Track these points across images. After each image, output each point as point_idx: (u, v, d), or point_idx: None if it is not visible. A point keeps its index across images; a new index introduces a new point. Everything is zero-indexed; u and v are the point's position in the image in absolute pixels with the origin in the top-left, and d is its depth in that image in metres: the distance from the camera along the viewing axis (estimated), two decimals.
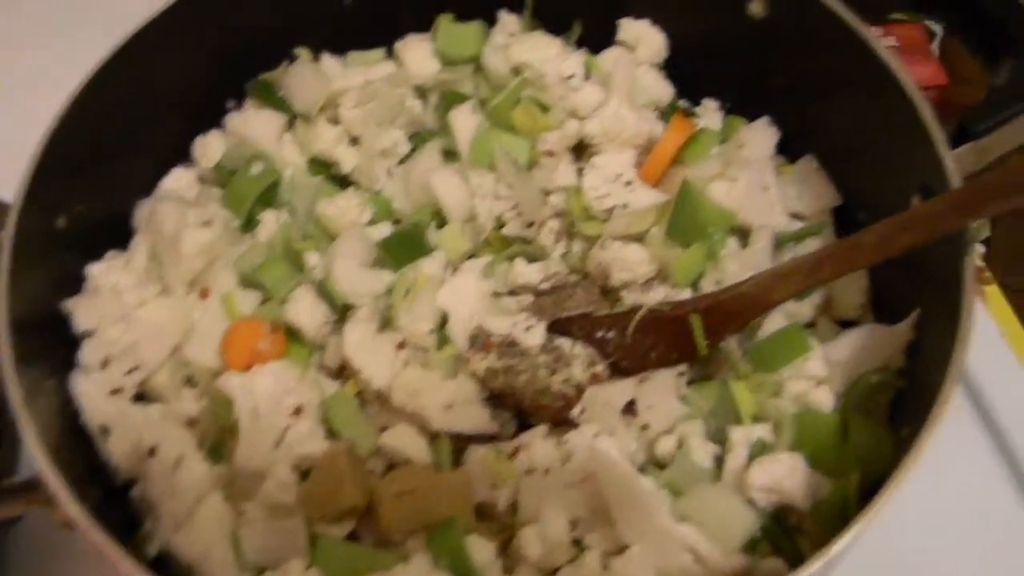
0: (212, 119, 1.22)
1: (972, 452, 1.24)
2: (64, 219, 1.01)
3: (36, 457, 0.85)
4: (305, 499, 0.93)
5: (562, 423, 1.02)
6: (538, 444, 0.96)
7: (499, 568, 0.93)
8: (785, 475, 0.92)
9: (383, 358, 1.04)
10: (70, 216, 1.01)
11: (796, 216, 1.17)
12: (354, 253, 1.10)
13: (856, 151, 1.13)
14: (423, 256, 1.12)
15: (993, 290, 1.41)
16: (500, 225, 1.18)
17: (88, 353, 1.01)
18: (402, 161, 1.22)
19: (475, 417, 1.01)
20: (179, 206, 1.09)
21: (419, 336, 1.05)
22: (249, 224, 1.16)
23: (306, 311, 1.07)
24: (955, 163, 0.94)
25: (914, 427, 0.86)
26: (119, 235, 1.11)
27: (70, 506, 0.83)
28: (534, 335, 1.05)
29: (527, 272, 1.12)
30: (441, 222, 1.18)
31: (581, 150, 1.21)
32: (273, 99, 1.21)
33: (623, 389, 1.00)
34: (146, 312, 1.02)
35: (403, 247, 1.12)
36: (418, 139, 1.24)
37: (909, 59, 1.41)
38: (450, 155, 1.21)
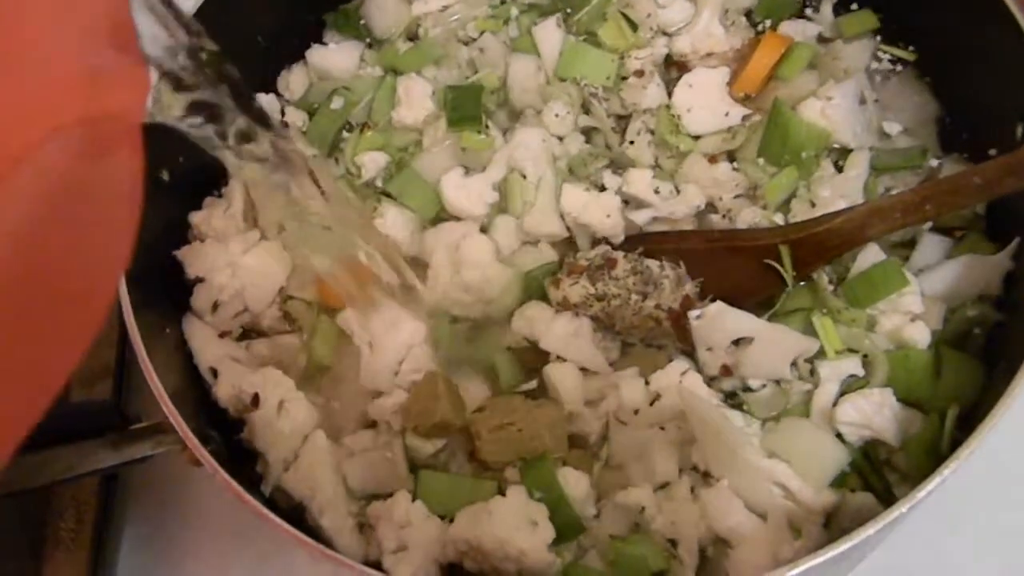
0: (295, 54, 1.22)
1: None
2: (167, 172, 1.04)
3: (160, 401, 0.91)
4: (402, 412, 0.97)
5: (655, 345, 1.04)
6: (627, 384, 0.97)
7: (593, 498, 0.96)
8: (875, 411, 0.92)
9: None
10: (172, 168, 1.05)
11: (895, 129, 1.12)
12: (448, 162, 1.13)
13: (957, 62, 1.07)
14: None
15: None
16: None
17: (199, 298, 1.06)
18: None
19: (587, 352, 1.02)
20: None
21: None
22: (333, 150, 1.17)
23: (391, 223, 1.09)
24: None
25: (1011, 362, 0.84)
26: (216, 179, 1.14)
27: (194, 447, 0.89)
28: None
29: (638, 182, 1.10)
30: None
31: (669, 65, 1.18)
32: (354, 28, 1.21)
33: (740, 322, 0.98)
34: (250, 258, 1.06)
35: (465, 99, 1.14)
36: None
37: None
38: None
